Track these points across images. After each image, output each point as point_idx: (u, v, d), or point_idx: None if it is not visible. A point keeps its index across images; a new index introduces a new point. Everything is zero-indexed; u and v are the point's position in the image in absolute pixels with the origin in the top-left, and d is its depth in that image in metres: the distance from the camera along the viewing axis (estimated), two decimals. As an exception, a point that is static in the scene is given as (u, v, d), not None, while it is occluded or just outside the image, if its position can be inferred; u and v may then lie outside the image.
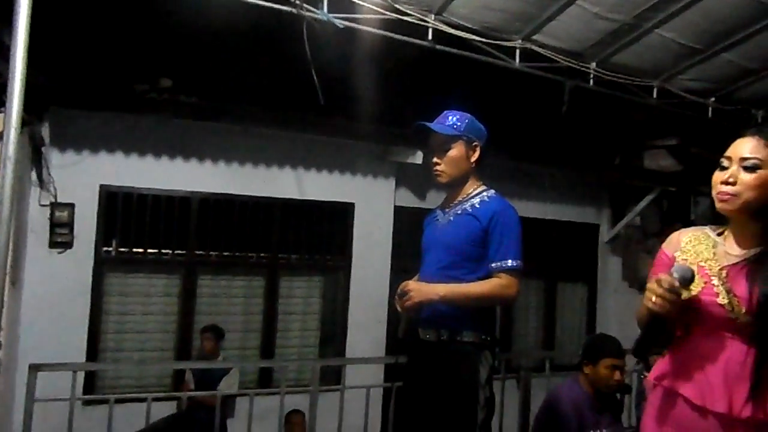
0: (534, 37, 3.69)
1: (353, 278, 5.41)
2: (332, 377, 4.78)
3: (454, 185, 2.44)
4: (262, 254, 5.14)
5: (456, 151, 2.38)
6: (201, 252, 4.95)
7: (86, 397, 4.06)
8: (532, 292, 6.42)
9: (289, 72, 4.66)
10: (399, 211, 5.56)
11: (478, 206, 2.37)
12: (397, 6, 3.39)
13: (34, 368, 3.10)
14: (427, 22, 3.52)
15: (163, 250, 4.83)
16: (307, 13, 3.23)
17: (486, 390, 2.31)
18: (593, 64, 3.99)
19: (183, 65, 4.29)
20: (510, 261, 2.29)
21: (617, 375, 2.86)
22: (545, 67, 3.85)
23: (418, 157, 5.23)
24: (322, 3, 3.25)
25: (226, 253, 5.03)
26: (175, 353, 4.84)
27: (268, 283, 5.19)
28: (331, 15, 3.24)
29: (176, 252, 4.87)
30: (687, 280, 1.50)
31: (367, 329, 5.36)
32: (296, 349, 5.31)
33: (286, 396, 3.82)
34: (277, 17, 3.23)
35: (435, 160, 2.41)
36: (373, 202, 5.47)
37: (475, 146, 2.41)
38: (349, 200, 5.39)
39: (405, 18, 3.47)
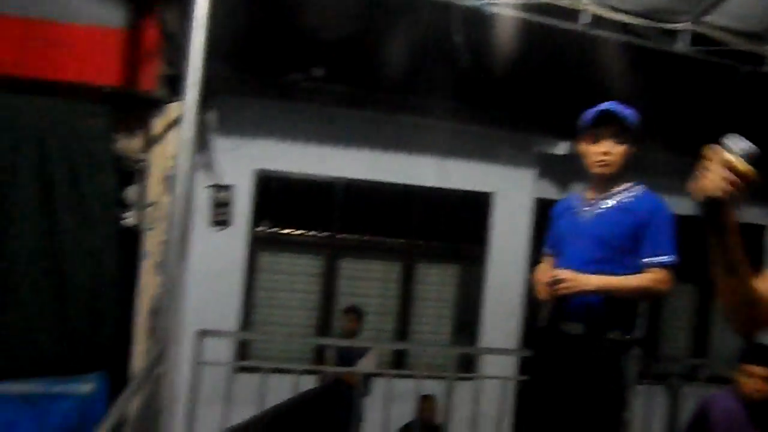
0: (705, 19, 3.38)
1: (489, 269, 5.37)
2: (464, 366, 4.79)
3: (612, 178, 2.39)
4: (400, 240, 5.26)
5: (627, 144, 2.34)
6: (343, 235, 5.17)
7: (244, 363, 4.36)
8: (684, 295, 5.96)
9: (431, 60, 4.70)
10: (539, 203, 5.41)
11: (632, 200, 2.35)
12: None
13: (201, 334, 3.42)
14: (581, 4, 3.35)
15: (309, 232, 5.11)
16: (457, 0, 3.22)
17: (631, 392, 2.27)
18: (772, 47, 3.57)
19: (333, 55, 4.47)
20: (665, 256, 2.27)
21: (760, 385, 2.61)
22: (716, 51, 3.51)
23: (561, 148, 5.05)
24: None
25: (366, 238, 5.21)
26: (317, 330, 5.11)
27: (404, 269, 5.30)
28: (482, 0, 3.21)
29: (321, 234, 5.13)
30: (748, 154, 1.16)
31: (500, 321, 5.30)
32: (429, 336, 5.38)
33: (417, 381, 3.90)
34: (424, 5, 3.26)
35: (605, 149, 2.33)
36: (512, 192, 5.36)
37: (636, 142, 2.37)
38: (489, 189, 5.33)
39: (557, 2, 3.33)
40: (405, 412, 4.70)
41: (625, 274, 2.27)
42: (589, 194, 2.45)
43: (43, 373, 3.19)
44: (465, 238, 5.42)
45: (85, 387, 3.15)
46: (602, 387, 2.25)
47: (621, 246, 2.30)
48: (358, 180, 5.11)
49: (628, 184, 2.40)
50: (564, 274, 2.27)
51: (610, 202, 2.36)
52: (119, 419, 2.52)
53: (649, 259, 2.27)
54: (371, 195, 5.16)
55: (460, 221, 5.38)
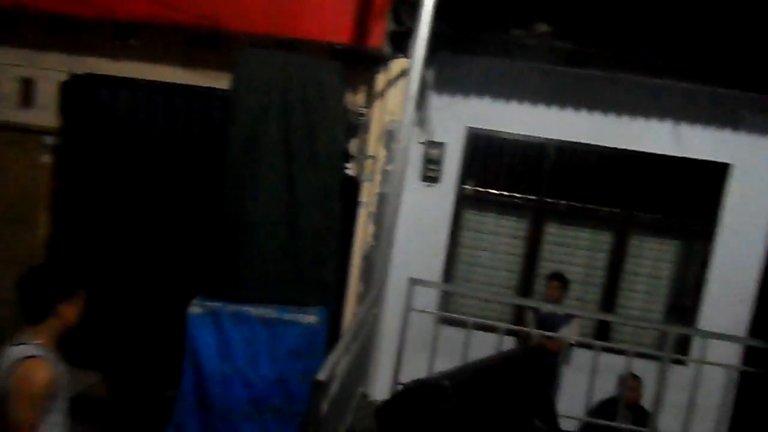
0: None
1: (717, 248, 4.81)
2: (675, 349, 4.41)
3: None
4: (614, 209, 4.94)
5: None
6: (551, 200, 5.00)
7: (451, 315, 4.49)
8: None
9: (664, 13, 4.22)
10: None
11: None
12: None
13: (413, 282, 3.59)
14: None
15: (516, 194, 5.02)
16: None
17: None
18: None
19: (560, 10, 4.24)
20: None
21: None
22: None
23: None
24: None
25: (576, 204, 4.98)
26: (517, 293, 5.06)
27: (616, 240, 4.98)
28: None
29: (527, 197, 5.02)
30: None
31: (725, 306, 4.76)
32: (638, 312, 5.03)
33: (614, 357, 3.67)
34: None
35: None
36: (755, 164, 4.70)
37: None
38: (726, 160, 4.73)
39: None
40: (604, 387, 4.51)
41: None
42: None
43: (278, 302, 3.61)
44: (690, 212, 4.90)
45: (310, 318, 3.50)
46: None
47: None
48: (574, 143, 4.86)
49: None
50: None
51: None
52: (343, 351, 2.77)
53: None
54: (586, 159, 4.89)
55: (686, 193, 4.87)
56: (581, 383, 4.22)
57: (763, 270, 4.74)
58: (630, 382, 4.33)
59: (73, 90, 5.09)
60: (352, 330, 2.90)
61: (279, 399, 3.39)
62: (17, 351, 2.18)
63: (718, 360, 4.05)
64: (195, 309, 3.48)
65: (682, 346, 4.73)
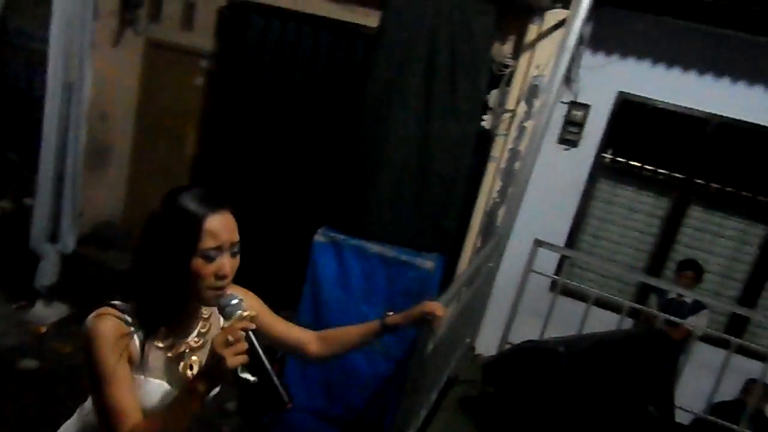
0: None
1: None
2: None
3: None
4: (771, 199, 4.44)
5: None
6: (700, 181, 4.57)
7: (572, 283, 4.32)
8: None
9: None
10: None
11: None
12: None
13: (537, 243, 3.47)
14: None
15: (660, 170, 4.65)
16: None
17: None
18: None
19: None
20: None
21: None
22: None
23: None
24: None
25: (728, 189, 4.52)
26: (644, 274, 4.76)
27: (768, 234, 4.50)
28: None
29: (674, 174, 4.62)
30: None
31: None
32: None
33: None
34: None
35: None
36: None
37: None
38: None
39: None
40: (727, 388, 4.17)
41: None
42: None
43: (398, 243, 3.65)
44: None
45: (427, 263, 3.51)
46: None
47: None
48: (740, 121, 4.37)
49: None
50: None
51: None
52: (454, 295, 2.75)
53: None
54: (748, 140, 4.39)
55: None
56: (703, 380, 3.94)
57: None
58: (752, 387, 3.98)
59: (230, 16, 5.34)
60: (465, 276, 2.87)
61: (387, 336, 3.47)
62: None
63: None
64: (320, 238, 3.60)
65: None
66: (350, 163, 3.71)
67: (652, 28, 4.34)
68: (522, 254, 4.04)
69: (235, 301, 1.32)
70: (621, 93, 4.58)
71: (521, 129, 4.46)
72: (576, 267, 4.90)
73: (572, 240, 4.86)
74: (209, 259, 1.29)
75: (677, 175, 4.63)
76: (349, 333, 1.70)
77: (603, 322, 3.91)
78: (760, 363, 3.81)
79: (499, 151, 4.55)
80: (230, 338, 1.19)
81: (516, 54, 4.40)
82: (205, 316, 1.47)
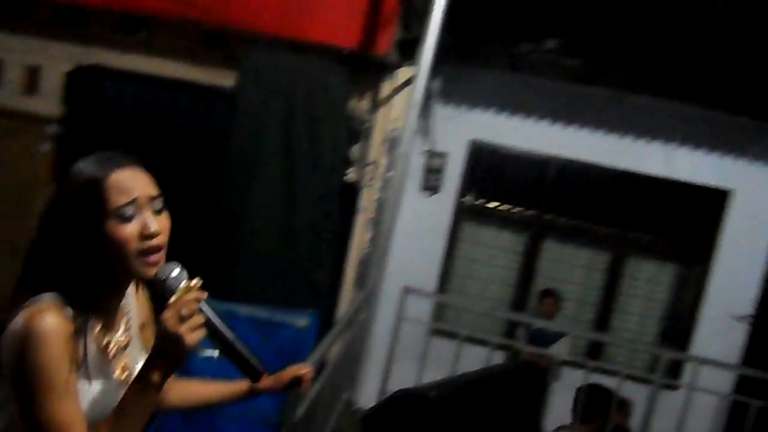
0: None
1: (714, 273, 4.80)
2: (667, 374, 4.38)
3: None
4: (612, 229, 4.93)
5: None
6: (550, 216, 4.98)
7: (443, 326, 4.46)
8: None
9: (674, 37, 4.23)
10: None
11: None
12: None
13: (406, 291, 3.57)
14: None
15: (516, 208, 5.01)
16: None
17: None
18: None
19: (570, 27, 4.24)
20: None
21: None
22: None
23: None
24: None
25: (574, 222, 4.97)
26: (511, 308, 5.03)
27: (613, 260, 4.97)
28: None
29: (527, 212, 5.00)
30: None
31: (720, 331, 4.75)
32: (631, 334, 5.00)
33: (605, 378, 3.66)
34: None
35: None
36: (756, 191, 4.69)
37: None
38: (727, 186, 4.73)
39: None
40: (594, 408, 4.46)
41: None
42: None
43: (270, 302, 3.58)
44: (688, 236, 4.90)
45: (302, 321, 3.48)
46: None
47: None
48: (576, 161, 4.85)
49: None
50: None
51: None
52: (325, 353, 2.74)
53: None
54: (587, 178, 4.88)
55: (685, 217, 4.86)
56: (569, 402, 4.19)
57: (759, 297, 4.73)
58: (621, 406, 4.29)
59: (78, 81, 5.09)
60: (334, 333, 2.87)
61: (264, 401, 3.36)
62: None
63: (709, 386, 4.03)
64: (186, 305, 3.45)
65: (674, 370, 4.71)
66: (214, 225, 3.62)
67: (493, 81, 4.73)
68: (397, 301, 4.13)
69: (176, 272, 1.14)
70: (473, 140, 4.91)
71: (385, 180, 4.62)
72: (449, 307, 5.08)
73: (444, 281, 5.05)
74: (126, 219, 1.09)
75: (531, 212, 5.00)
76: (208, 389, 1.56)
77: (480, 357, 4.06)
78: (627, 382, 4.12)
79: (366, 202, 4.66)
80: (183, 312, 1.04)
81: (373, 109, 4.58)
82: (126, 310, 1.28)
